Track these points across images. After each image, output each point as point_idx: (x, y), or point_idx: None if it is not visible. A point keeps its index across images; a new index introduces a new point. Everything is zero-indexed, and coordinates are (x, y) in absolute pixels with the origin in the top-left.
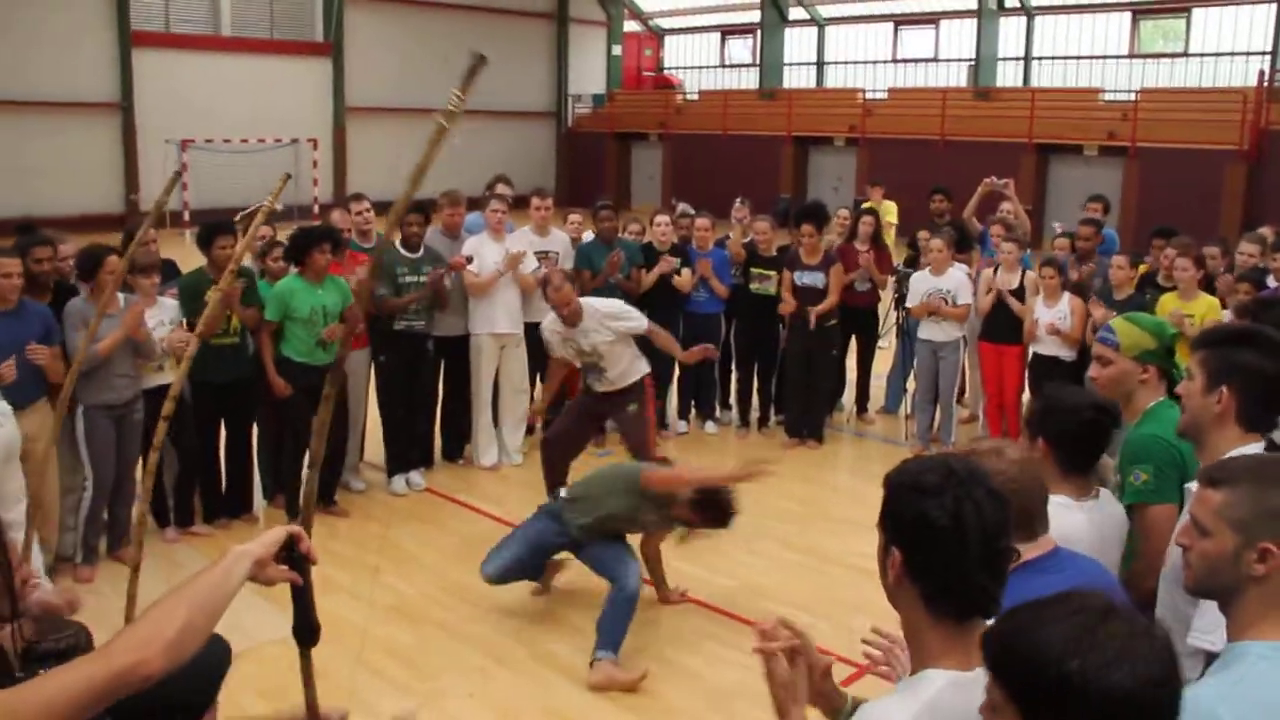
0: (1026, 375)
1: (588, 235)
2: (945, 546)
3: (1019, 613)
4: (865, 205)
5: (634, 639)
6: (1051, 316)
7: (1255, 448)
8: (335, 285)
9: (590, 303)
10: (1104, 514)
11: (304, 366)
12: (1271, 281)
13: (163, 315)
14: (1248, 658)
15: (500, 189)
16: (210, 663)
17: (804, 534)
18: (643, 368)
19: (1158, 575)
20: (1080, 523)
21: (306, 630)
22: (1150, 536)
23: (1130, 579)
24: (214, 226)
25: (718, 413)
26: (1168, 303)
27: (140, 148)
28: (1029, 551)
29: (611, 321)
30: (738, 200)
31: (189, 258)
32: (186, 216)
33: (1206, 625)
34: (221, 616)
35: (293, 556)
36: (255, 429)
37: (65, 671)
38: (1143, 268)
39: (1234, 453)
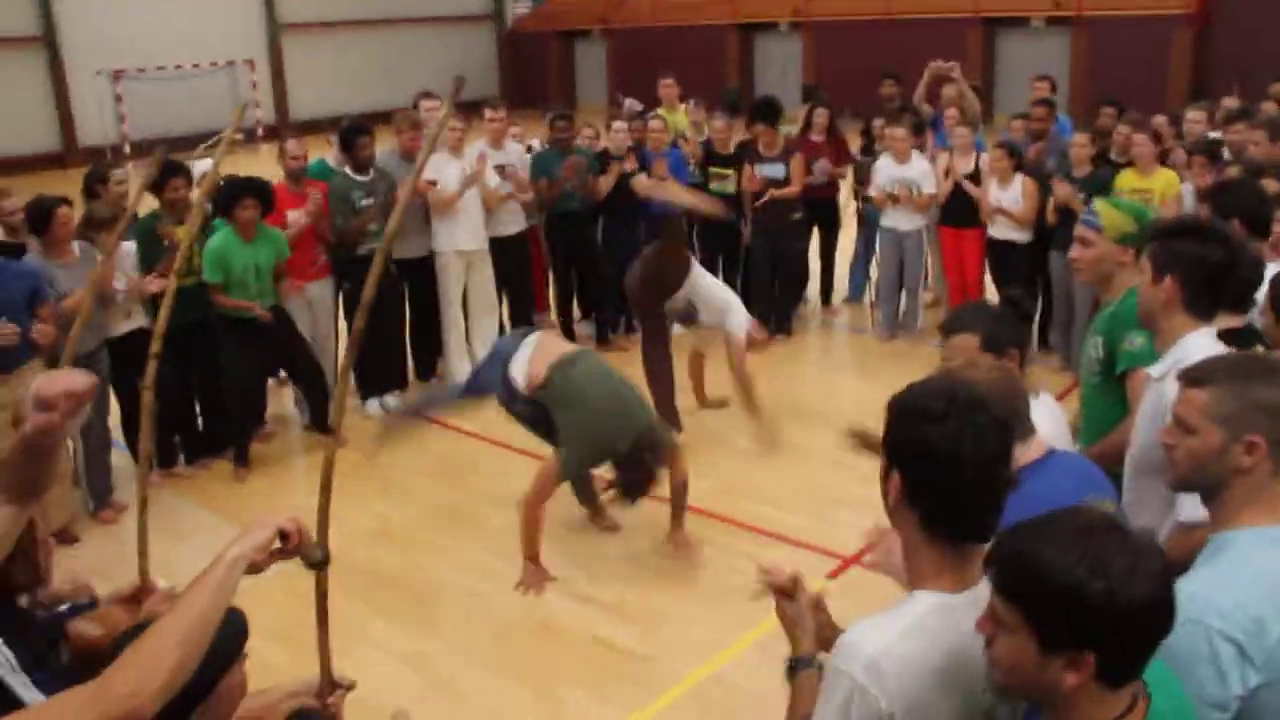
0: (986, 258)
1: (536, 143)
2: (945, 472)
3: (1022, 535)
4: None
5: (621, 545)
6: (1005, 199)
7: (1205, 332)
8: (268, 239)
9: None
10: (1054, 408)
11: (241, 320)
12: (1226, 154)
13: (121, 263)
14: (1237, 544)
15: (425, 104)
16: (223, 641)
17: (778, 429)
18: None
19: None
20: (1045, 419)
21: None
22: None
23: (1117, 441)
24: (164, 169)
25: None
26: (1126, 180)
27: (70, 82)
28: (1024, 455)
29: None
30: (690, 100)
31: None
32: (127, 149)
33: (1191, 506)
34: (215, 626)
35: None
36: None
37: (56, 706)
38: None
39: (1185, 338)
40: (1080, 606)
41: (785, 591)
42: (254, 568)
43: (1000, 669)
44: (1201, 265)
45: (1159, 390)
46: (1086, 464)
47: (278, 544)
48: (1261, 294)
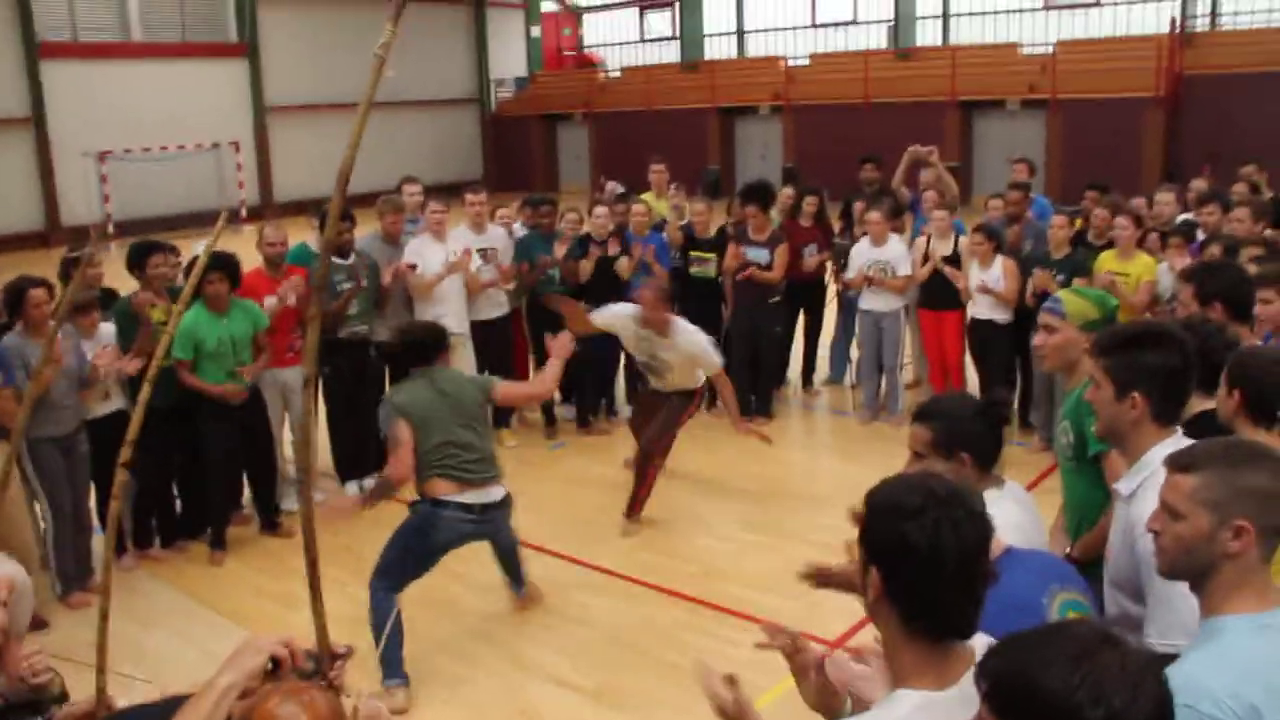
0: (966, 339)
1: (518, 226)
2: (923, 569)
3: (1017, 653)
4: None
5: (605, 631)
6: (988, 279)
7: (1174, 439)
8: (243, 311)
9: (682, 327)
10: (1021, 495)
11: (217, 399)
12: (1200, 235)
13: (100, 343)
14: (1227, 632)
15: (408, 189)
16: None
17: (762, 513)
18: (699, 379)
19: None
20: (1011, 510)
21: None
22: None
23: (1099, 537)
24: (145, 247)
25: None
26: (1105, 261)
27: (56, 161)
28: None
29: (690, 354)
30: (671, 185)
31: (116, 271)
32: (111, 229)
33: (1163, 629)
34: None
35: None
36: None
37: None
38: (1077, 224)
39: (1155, 449)
40: None
41: (727, 680)
42: (245, 693)
43: None
44: (1166, 375)
45: (1129, 509)
46: (1046, 557)
47: (269, 668)
48: None
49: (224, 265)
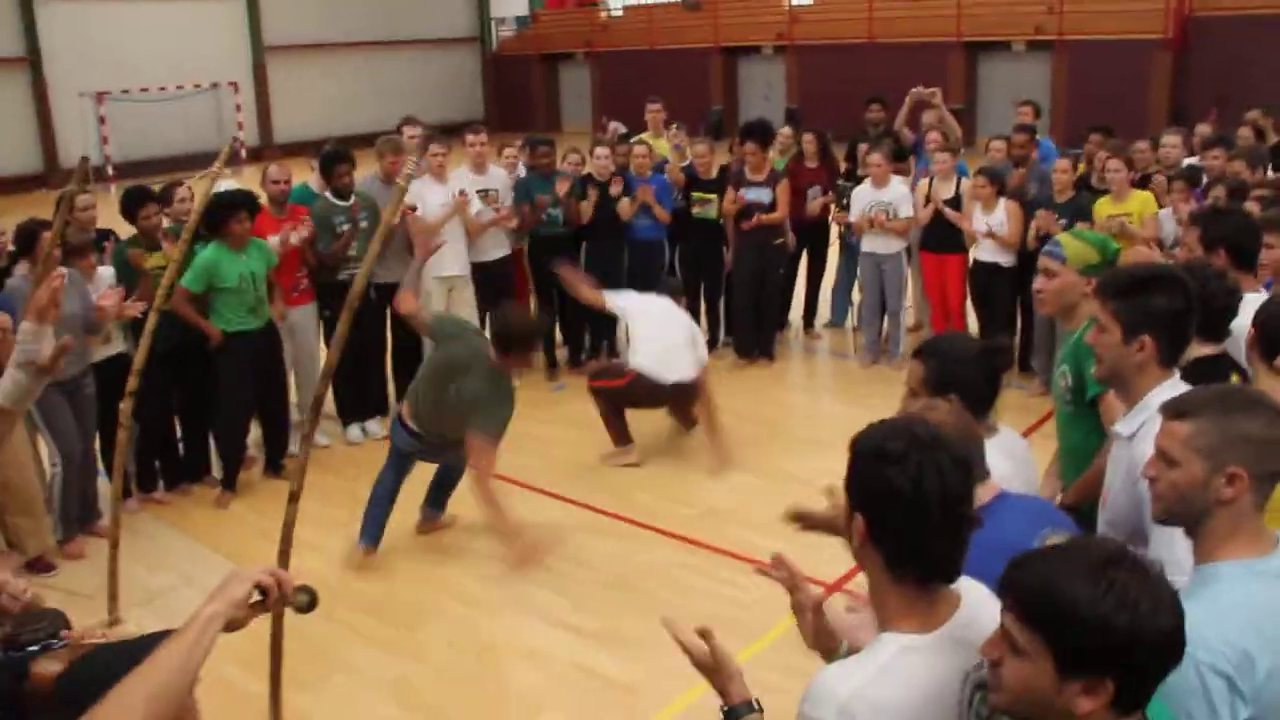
0: (968, 282)
1: (521, 166)
2: (907, 513)
3: (1043, 565)
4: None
5: (605, 572)
6: (991, 223)
7: (1173, 381)
8: (258, 249)
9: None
10: (1014, 445)
11: (240, 336)
12: (1204, 178)
13: (100, 287)
14: (1220, 578)
15: (408, 130)
16: None
17: (762, 455)
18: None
19: None
20: (998, 464)
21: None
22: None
23: (1092, 480)
24: (136, 195)
25: None
26: (1103, 206)
27: (53, 102)
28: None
29: None
30: (673, 125)
31: (113, 214)
32: (110, 171)
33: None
34: (190, 688)
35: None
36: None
37: None
38: (1080, 168)
39: (1155, 390)
40: (1107, 637)
41: (701, 632)
42: (233, 624)
43: (1008, 691)
44: (1175, 319)
45: (1130, 450)
46: (1039, 503)
47: (257, 597)
48: (1239, 324)
49: (246, 204)
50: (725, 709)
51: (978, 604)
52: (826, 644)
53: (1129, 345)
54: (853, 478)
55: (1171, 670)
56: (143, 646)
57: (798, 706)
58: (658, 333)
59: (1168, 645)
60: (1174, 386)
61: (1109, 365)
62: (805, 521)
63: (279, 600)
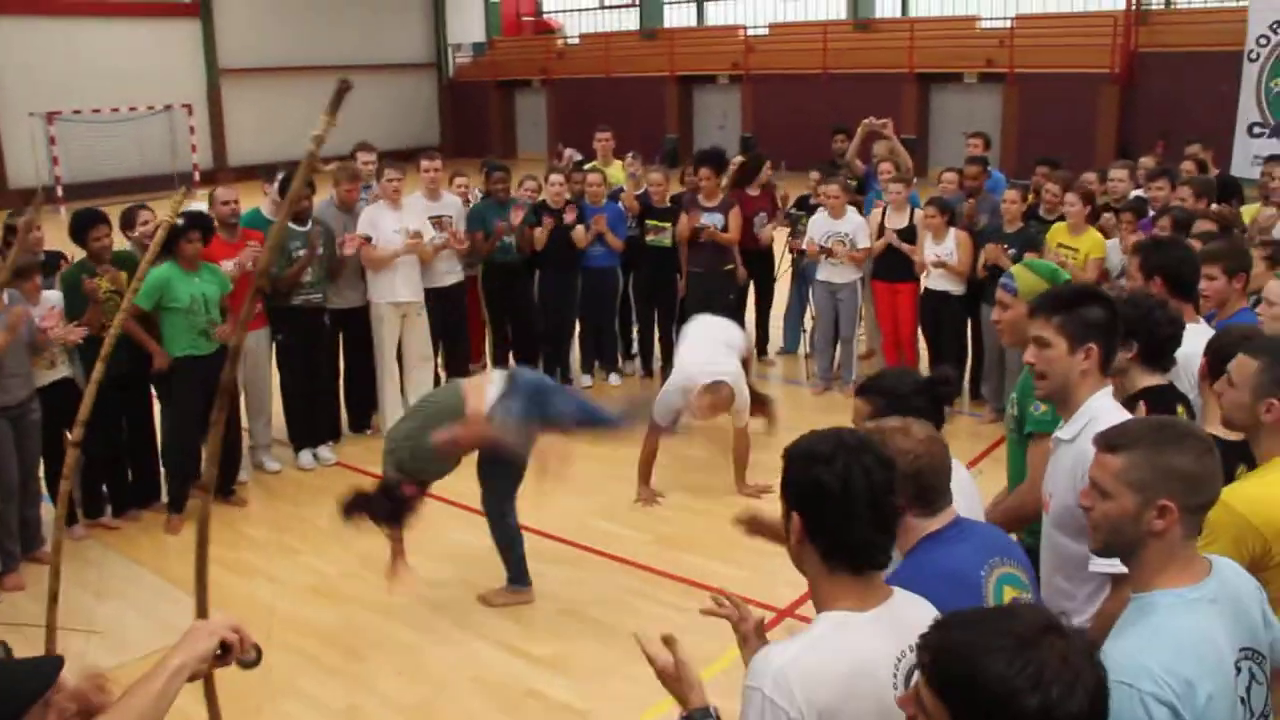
0: (919, 310)
1: (475, 193)
2: (838, 507)
3: (960, 633)
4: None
5: (560, 600)
6: (940, 252)
7: (1106, 391)
8: (211, 272)
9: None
10: (968, 486)
11: (190, 360)
12: (1150, 210)
13: (45, 310)
14: (1159, 609)
15: (362, 156)
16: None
17: (715, 481)
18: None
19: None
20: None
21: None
22: (1041, 462)
23: (1022, 500)
24: (87, 217)
25: (620, 364)
26: (1056, 235)
27: (3, 122)
28: (931, 525)
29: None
30: (629, 154)
31: (63, 234)
32: (60, 192)
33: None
34: None
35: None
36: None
37: None
38: (1030, 199)
39: (1094, 398)
40: (1013, 718)
41: (666, 642)
42: (194, 675)
43: None
44: (1110, 329)
45: (1074, 451)
46: (989, 530)
47: (218, 651)
48: (1181, 354)
49: (200, 224)
50: (684, 715)
51: (909, 598)
52: None
53: (1075, 355)
54: (787, 480)
55: None
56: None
57: None
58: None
59: None
60: (1107, 394)
61: (1055, 379)
62: (754, 525)
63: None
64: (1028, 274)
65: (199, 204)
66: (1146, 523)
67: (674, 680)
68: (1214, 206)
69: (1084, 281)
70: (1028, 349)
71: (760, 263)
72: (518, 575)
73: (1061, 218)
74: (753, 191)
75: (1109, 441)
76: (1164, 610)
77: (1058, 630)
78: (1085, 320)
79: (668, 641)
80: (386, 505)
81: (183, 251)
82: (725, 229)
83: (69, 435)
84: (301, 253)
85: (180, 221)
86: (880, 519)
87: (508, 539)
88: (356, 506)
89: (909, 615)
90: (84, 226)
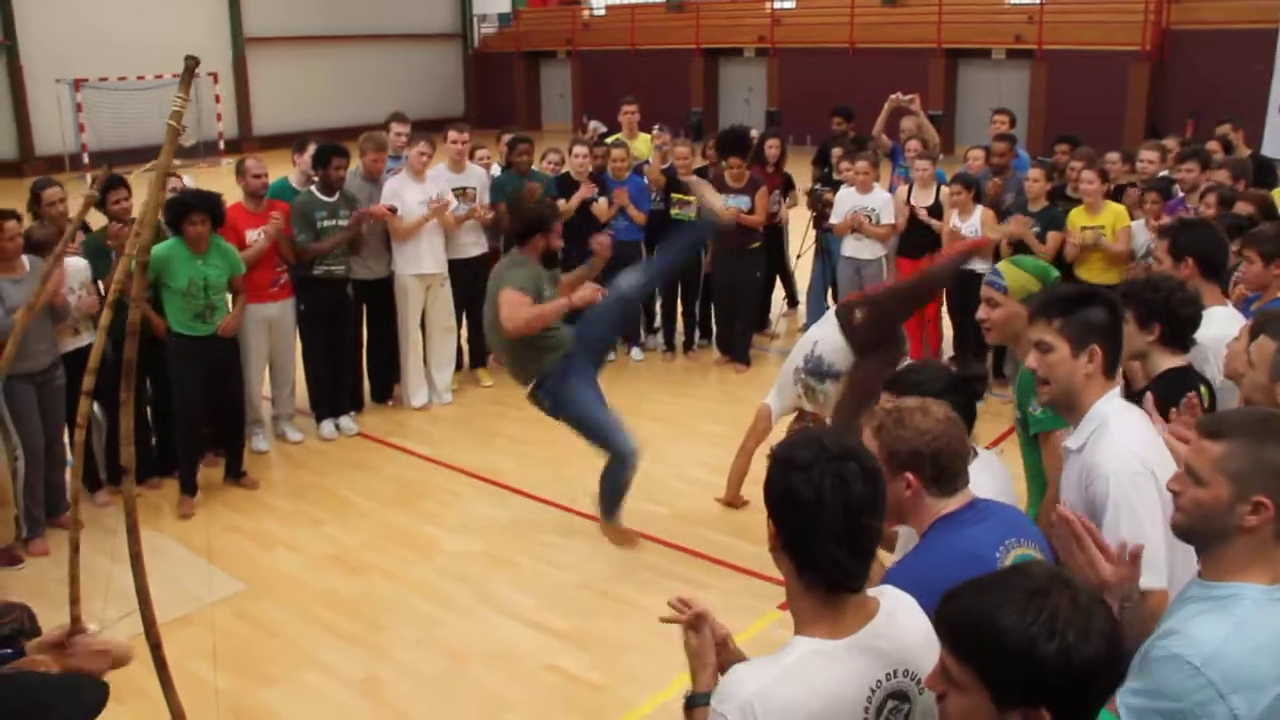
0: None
1: (495, 168)
2: (807, 521)
3: (972, 595)
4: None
5: (573, 573)
6: (965, 229)
7: (1114, 391)
8: (221, 255)
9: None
10: (996, 466)
11: (183, 339)
12: (1178, 191)
13: (71, 278)
14: (1244, 601)
15: (396, 127)
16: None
17: (732, 457)
18: None
19: None
20: (984, 482)
21: None
22: (1056, 465)
23: (1044, 507)
24: (106, 182)
25: (643, 338)
26: (1077, 216)
27: (29, 88)
28: (947, 505)
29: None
30: (655, 126)
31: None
32: (86, 160)
33: None
34: None
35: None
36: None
37: None
38: (1055, 177)
39: (1100, 402)
40: (1036, 667)
41: (691, 625)
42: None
43: None
44: (1114, 331)
45: (1080, 459)
46: (1009, 512)
47: None
48: (1204, 335)
49: (207, 205)
50: (688, 694)
51: (894, 614)
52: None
53: (1078, 359)
54: (766, 483)
55: (1110, 695)
56: (51, 686)
57: None
58: None
59: (1101, 671)
60: (1115, 396)
61: (1059, 383)
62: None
63: None
64: (1017, 271)
65: (187, 178)
66: (1238, 516)
67: (694, 656)
68: (1248, 189)
69: (1117, 254)
70: (1030, 354)
71: (771, 238)
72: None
73: None
74: (769, 168)
75: (1211, 428)
76: (1249, 604)
77: (1064, 581)
78: (1087, 322)
79: (695, 621)
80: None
81: (186, 234)
82: (752, 210)
83: (81, 408)
84: (327, 223)
85: (178, 199)
86: (852, 540)
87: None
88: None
89: (892, 633)
90: (104, 190)
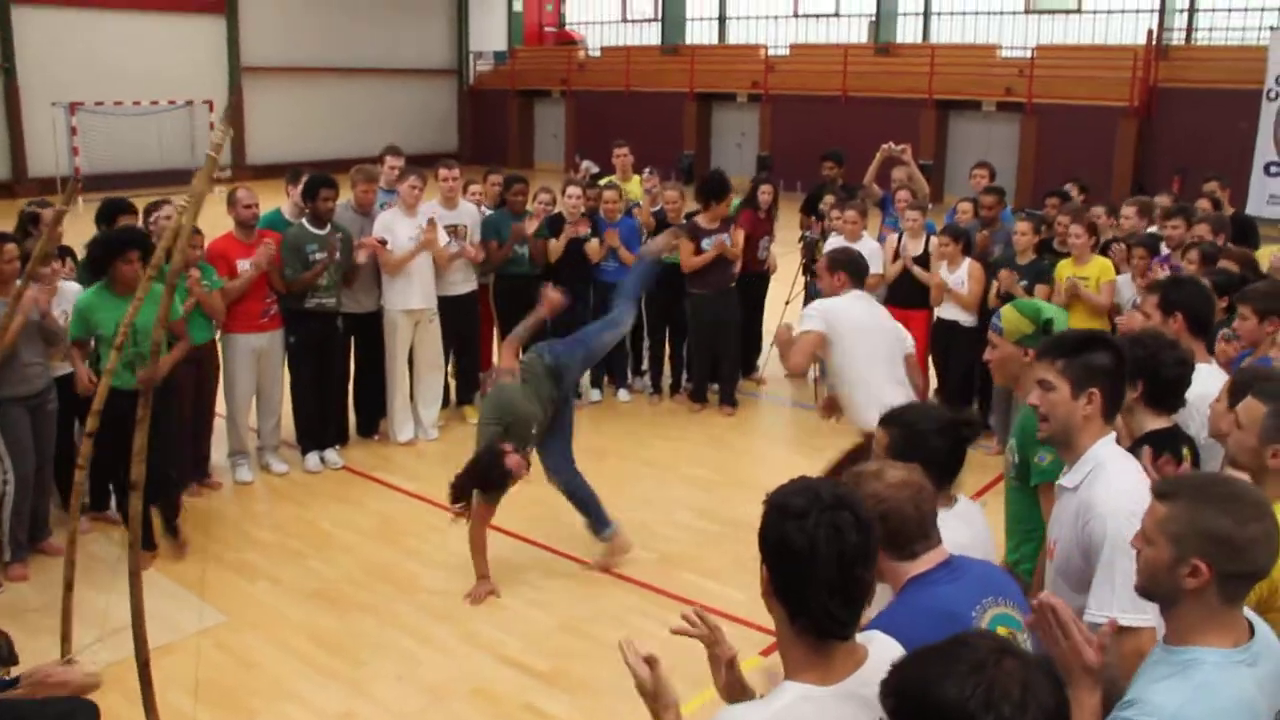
0: (929, 338)
1: (482, 209)
2: (800, 569)
3: (917, 665)
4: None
5: (559, 614)
6: (952, 281)
7: (1110, 436)
8: (153, 299)
9: None
10: (975, 517)
11: (113, 392)
12: (1164, 248)
13: (64, 303)
14: (1204, 665)
15: (390, 160)
16: None
17: (719, 502)
18: None
19: None
20: (959, 530)
21: None
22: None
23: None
24: (114, 205)
25: (630, 380)
26: (1064, 269)
27: (24, 111)
28: (916, 566)
29: None
30: (646, 170)
31: (84, 227)
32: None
33: (1101, 602)
34: None
35: None
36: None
37: None
38: (1043, 231)
39: (1097, 444)
40: None
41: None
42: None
43: None
44: (1115, 375)
45: (1076, 497)
46: (987, 569)
47: None
48: (1194, 394)
49: (137, 243)
50: None
51: (884, 661)
52: (739, 698)
53: (1077, 400)
54: (761, 529)
55: None
56: (46, 715)
57: None
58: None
59: None
60: (1111, 441)
61: (1057, 422)
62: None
63: None
64: (1013, 314)
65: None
66: (1179, 578)
67: (650, 697)
68: (1229, 245)
69: (1099, 305)
70: (1032, 392)
71: (756, 285)
72: (600, 521)
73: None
74: (760, 214)
75: (1161, 489)
76: (1211, 668)
77: (1012, 652)
78: (1089, 365)
79: (650, 661)
80: (493, 472)
81: (120, 274)
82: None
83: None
84: (319, 256)
85: (103, 238)
86: (845, 590)
87: (583, 495)
88: (467, 483)
89: (879, 681)
90: (111, 215)
